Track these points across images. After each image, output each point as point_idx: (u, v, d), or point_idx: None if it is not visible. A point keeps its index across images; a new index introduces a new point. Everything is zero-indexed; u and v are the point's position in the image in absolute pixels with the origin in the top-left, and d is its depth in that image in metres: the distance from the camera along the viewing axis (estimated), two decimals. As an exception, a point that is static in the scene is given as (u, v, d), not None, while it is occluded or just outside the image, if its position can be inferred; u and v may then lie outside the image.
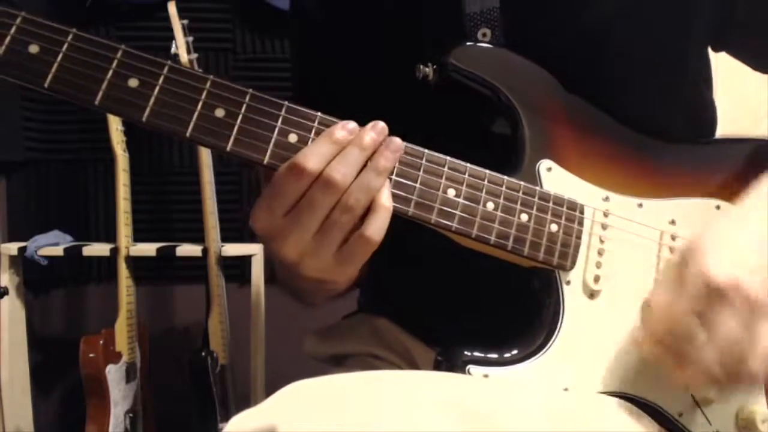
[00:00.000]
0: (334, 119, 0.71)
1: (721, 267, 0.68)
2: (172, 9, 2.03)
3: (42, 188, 2.37)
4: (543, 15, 0.85)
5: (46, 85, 0.65)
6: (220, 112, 0.68)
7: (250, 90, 0.69)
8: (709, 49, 0.95)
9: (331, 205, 0.68)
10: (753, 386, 0.75)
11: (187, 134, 0.67)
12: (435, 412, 0.62)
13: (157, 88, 0.67)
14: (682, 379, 0.71)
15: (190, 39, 2.03)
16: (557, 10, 0.85)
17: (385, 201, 0.70)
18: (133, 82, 0.67)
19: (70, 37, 0.66)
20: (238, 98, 0.69)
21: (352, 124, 0.70)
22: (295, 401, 0.65)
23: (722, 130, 0.99)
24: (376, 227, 0.69)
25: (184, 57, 2.00)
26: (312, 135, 0.70)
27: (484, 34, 0.84)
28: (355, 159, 0.69)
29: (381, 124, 0.71)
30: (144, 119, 0.67)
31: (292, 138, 0.70)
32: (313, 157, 0.68)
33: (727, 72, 1.02)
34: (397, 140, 0.71)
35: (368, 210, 0.69)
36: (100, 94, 0.66)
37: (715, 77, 0.99)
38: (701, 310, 0.68)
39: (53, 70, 0.65)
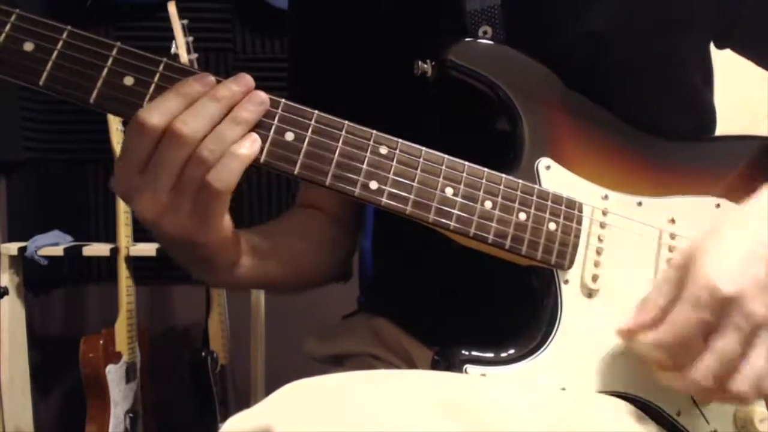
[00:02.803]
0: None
1: (728, 277, 0.66)
2: (172, 9, 2.03)
3: (42, 188, 2.37)
4: (544, 13, 0.85)
5: (41, 83, 0.65)
6: None
7: None
8: (711, 47, 0.95)
9: (182, 160, 0.66)
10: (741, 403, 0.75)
11: None
12: (432, 411, 0.62)
13: (153, 86, 0.67)
14: (672, 381, 0.71)
15: (190, 39, 2.03)
16: (558, 7, 0.85)
17: (241, 150, 0.67)
18: (128, 80, 0.67)
19: (65, 35, 0.65)
20: None
21: (209, 78, 0.68)
22: (291, 401, 0.64)
23: (722, 130, 0.98)
24: (220, 174, 0.66)
25: (184, 57, 2.00)
26: None
27: (485, 32, 0.83)
28: (207, 111, 0.66)
29: (246, 77, 0.69)
30: None
31: (289, 136, 0.70)
32: (156, 112, 0.66)
33: (727, 72, 1.02)
34: (261, 94, 0.69)
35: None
36: (95, 92, 0.66)
37: (715, 77, 0.98)
38: (702, 318, 0.67)
39: (48, 68, 0.65)
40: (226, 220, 0.72)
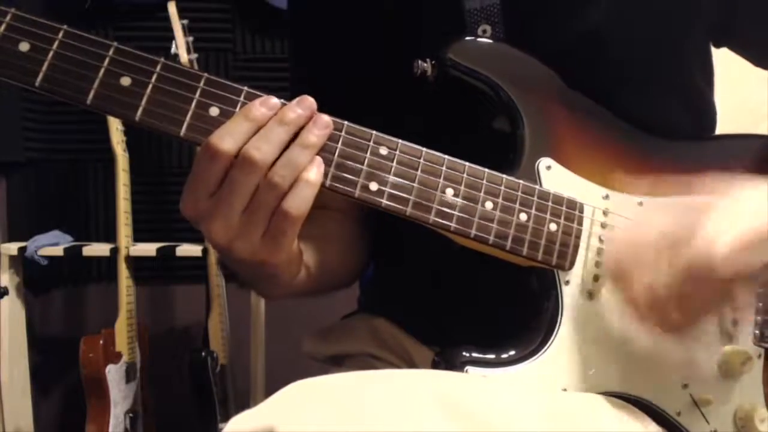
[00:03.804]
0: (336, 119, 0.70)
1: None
2: (172, 9, 2.03)
3: (42, 188, 2.37)
4: (544, 12, 0.85)
5: (37, 84, 0.64)
6: (214, 111, 0.68)
7: (245, 88, 0.69)
8: (711, 46, 0.95)
9: (254, 184, 0.67)
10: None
11: (181, 134, 0.67)
12: (433, 411, 0.62)
13: (150, 87, 0.66)
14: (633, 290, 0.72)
15: (190, 39, 2.04)
16: (558, 6, 0.85)
17: (311, 175, 0.68)
18: (125, 81, 0.66)
19: (61, 35, 0.65)
20: (233, 96, 0.68)
21: (273, 100, 0.68)
22: (294, 401, 0.64)
23: (722, 130, 0.98)
24: (296, 201, 0.67)
25: (184, 57, 2.01)
26: None
27: (484, 31, 0.83)
28: (276, 136, 0.67)
29: (309, 99, 0.69)
30: (137, 119, 0.66)
31: None
32: (227, 137, 0.66)
33: (726, 72, 1.02)
34: (324, 117, 0.69)
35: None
36: (92, 93, 0.65)
37: (715, 77, 0.98)
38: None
39: (44, 68, 0.64)
40: (295, 241, 0.73)
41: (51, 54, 0.64)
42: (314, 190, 0.68)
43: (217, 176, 0.67)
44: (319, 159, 0.69)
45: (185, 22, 2.03)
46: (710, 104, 0.97)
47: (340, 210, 0.94)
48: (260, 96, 0.69)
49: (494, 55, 0.79)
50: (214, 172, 0.67)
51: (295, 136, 0.68)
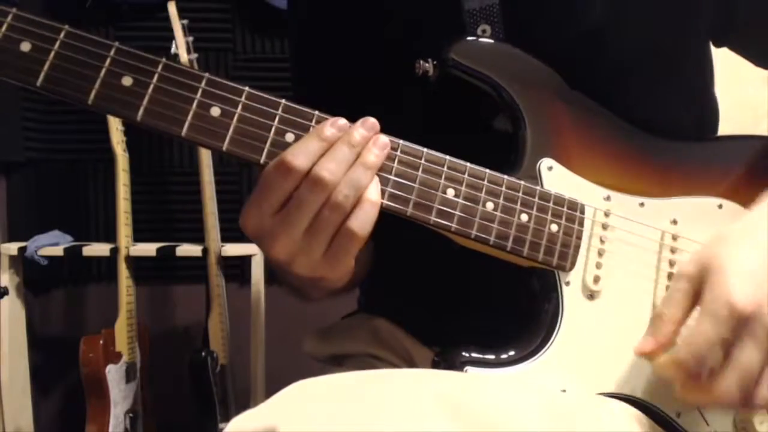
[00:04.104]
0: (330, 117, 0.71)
1: (745, 293, 0.66)
2: (172, 9, 2.03)
3: (42, 188, 2.37)
4: (543, 12, 0.85)
5: (38, 84, 0.64)
6: (215, 111, 0.68)
7: (247, 88, 0.69)
8: (711, 45, 0.95)
9: (320, 204, 0.68)
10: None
11: (183, 133, 0.67)
12: (435, 411, 0.62)
13: (152, 87, 0.66)
14: (696, 398, 0.70)
15: (190, 39, 2.04)
16: (557, 5, 0.85)
17: (372, 195, 0.69)
18: (127, 81, 0.66)
19: (62, 35, 0.65)
20: (234, 97, 0.68)
21: (342, 121, 0.69)
22: (296, 401, 0.64)
23: (722, 130, 0.98)
24: (361, 221, 0.68)
25: (184, 57, 2.01)
26: None
27: (483, 31, 0.83)
28: (344, 156, 0.68)
29: (371, 120, 0.70)
30: (138, 119, 0.66)
31: (289, 137, 0.69)
32: (301, 155, 0.67)
33: (726, 72, 1.02)
34: (383, 137, 0.71)
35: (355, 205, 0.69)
36: (93, 93, 0.65)
37: (715, 77, 0.98)
38: (722, 335, 0.66)
39: (45, 68, 0.64)
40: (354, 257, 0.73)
41: (52, 54, 0.64)
42: (377, 209, 0.69)
43: (286, 193, 0.68)
44: (377, 179, 0.70)
45: (185, 22, 2.03)
46: (712, 102, 0.97)
47: None
48: (263, 97, 0.69)
49: (496, 55, 0.79)
50: (285, 189, 0.68)
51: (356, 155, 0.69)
